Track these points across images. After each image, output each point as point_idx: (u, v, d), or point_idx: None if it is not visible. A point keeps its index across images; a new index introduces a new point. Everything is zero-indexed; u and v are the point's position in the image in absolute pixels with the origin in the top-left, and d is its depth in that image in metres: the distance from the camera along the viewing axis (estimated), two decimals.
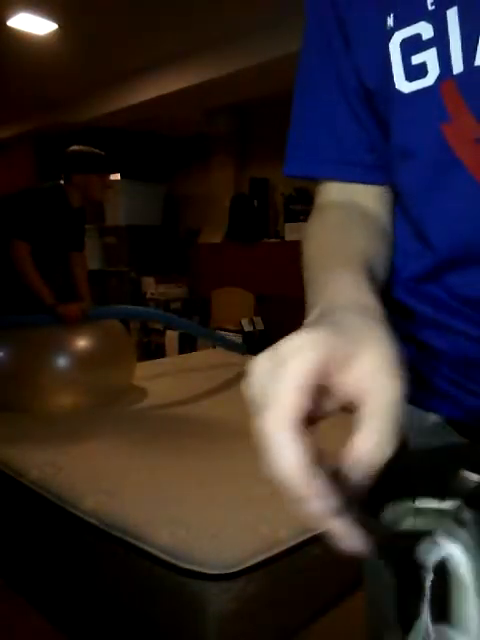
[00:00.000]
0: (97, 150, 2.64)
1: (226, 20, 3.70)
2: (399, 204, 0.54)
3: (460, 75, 0.43)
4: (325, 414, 0.34)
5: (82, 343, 2.45)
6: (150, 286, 5.27)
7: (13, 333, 2.43)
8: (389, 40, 0.46)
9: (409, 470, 0.38)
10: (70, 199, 2.61)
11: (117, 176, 4.95)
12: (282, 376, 0.30)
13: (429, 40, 0.44)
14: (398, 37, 0.45)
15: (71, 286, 2.75)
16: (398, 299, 0.54)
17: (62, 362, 2.36)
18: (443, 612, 0.33)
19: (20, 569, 1.81)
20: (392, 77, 0.47)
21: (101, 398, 2.39)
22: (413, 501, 0.36)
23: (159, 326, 5.17)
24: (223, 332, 4.56)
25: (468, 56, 0.42)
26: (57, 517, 1.56)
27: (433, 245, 0.49)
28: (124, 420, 2.16)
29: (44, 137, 5.89)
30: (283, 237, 4.67)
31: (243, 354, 3.37)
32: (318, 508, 0.29)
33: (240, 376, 3.21)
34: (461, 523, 0.34)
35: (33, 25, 3.82)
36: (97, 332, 2.56)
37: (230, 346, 3.49)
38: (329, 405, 0.33)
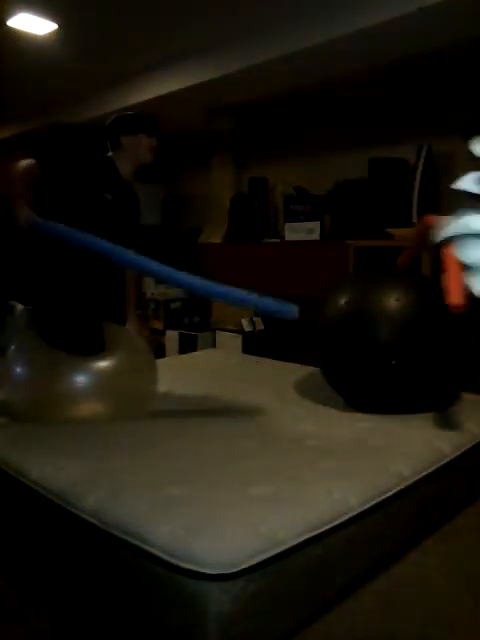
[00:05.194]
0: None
1: (226, 21, 3.71)
2: None
3: None
4: None
5: (105, 363, 2.26)
6: (150, 286, 5.27)
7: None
8: None
9: None
10: (120, 171, 2.48)
11: None
12: None
13: None
14: None
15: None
16: None
17: (84, 378, 2.19)
18: None
19: (20, 569, 1.81)
20: None
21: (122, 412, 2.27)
22: None
23: (159, 326, 5.17)
24: (223, 332, 4.54)
25: None
26: (57, 517, 1.56)
27: None
28: (124, 420, 2.16)
29: (44, 137, 5.89)
30: (283, 237, 4.67)
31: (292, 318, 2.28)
32: None
33: (240, 376, 3.16)
34: None
35: (33, 25, 3.82)
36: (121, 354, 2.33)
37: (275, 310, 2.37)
38: None
